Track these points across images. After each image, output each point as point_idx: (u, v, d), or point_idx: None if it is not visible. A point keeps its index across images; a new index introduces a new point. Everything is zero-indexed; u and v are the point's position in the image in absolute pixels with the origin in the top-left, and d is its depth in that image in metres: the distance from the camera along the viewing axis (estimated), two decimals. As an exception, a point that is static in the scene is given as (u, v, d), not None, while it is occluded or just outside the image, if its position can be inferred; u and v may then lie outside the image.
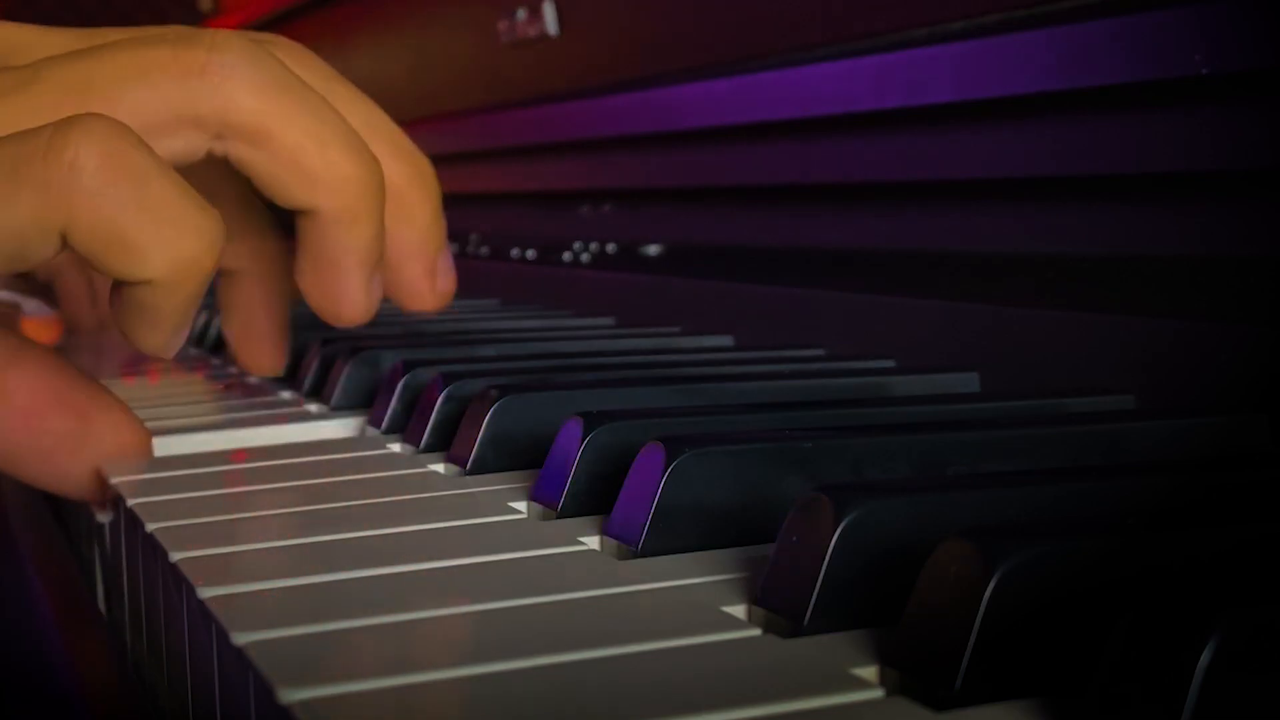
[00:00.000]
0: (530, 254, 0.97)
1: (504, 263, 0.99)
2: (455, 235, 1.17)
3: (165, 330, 0.43)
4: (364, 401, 0.60)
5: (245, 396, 0.66)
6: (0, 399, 0.43)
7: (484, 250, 1.06)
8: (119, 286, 0.42)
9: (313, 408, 0.61)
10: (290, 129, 0.44)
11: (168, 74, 0.43)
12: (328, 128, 0.45)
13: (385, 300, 0.51)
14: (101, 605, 0.54)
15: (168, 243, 0.40)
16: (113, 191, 0.39)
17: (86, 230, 0.39)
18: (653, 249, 0.86)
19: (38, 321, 1.01)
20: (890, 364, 0.57)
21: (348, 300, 0.47)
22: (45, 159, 0.39)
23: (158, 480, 0.47)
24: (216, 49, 0.43)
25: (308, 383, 0.64)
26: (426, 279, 0.51)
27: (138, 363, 0.83)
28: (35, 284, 1.02)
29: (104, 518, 0.49)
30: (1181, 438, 0.42)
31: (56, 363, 0.45)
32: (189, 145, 0.44)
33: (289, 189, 0.45)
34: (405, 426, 0.53)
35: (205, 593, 0.33)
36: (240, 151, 0.44)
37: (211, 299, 0.62)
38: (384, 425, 0.55)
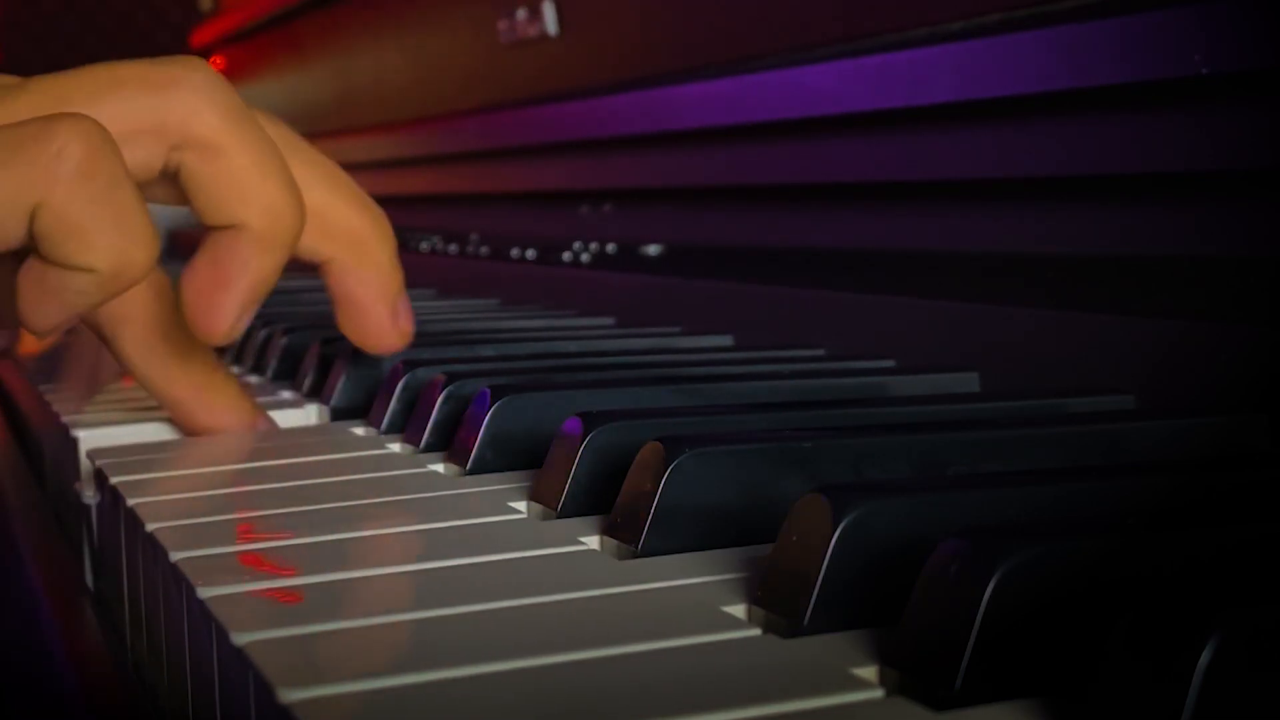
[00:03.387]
0: (530, 254, 0.97)
1: (504, 263, 0.99)
2: (455, 235, 1.17)
3: (65, 317, 0.47)
4: (364, 401, 0.60)
5: (245, 396, 0.66)
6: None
7: (484, 250, 1.06)
8: (39, 264, 0.45)
9: (312, 408, 0.61)
10: (242, 152, 0.49)
11: (141, 87, 0.48)
12: (272, 163, 0.49)
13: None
14: (100, 605, 0.54)
15: (119, 243, 0.45)
16: (89, 184, 0.44)
17: (56, 213, 0.44)
18: (653, 249, 0.86)
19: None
20: (890, 364, 0.57)
21: (220, 315, 0.50)
22: (35, 143, 0.43)
23: (157, 480, 0.47)
24: (188, 68, 0.48)
25: (308, 383, 0.64)
26: (390, 319, 0.55)
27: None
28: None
29: (90, 498, 0.52)
30: (1181, 438, 0.42)
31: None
32: (149, 155, 0.48)
33: (224, 203, 0.49)
34: (405, 426, 0.53)
35: (205, 593, 0.33)
36: (192, 163, 0.49)
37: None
38: (384, 425, 0.55)
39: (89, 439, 0.55)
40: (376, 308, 0.54)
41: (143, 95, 0.47)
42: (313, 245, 0.53)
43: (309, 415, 0.61)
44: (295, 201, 0.50)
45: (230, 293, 0.49)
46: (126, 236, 0.45)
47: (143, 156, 0.48)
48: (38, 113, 0.45)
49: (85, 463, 0.54)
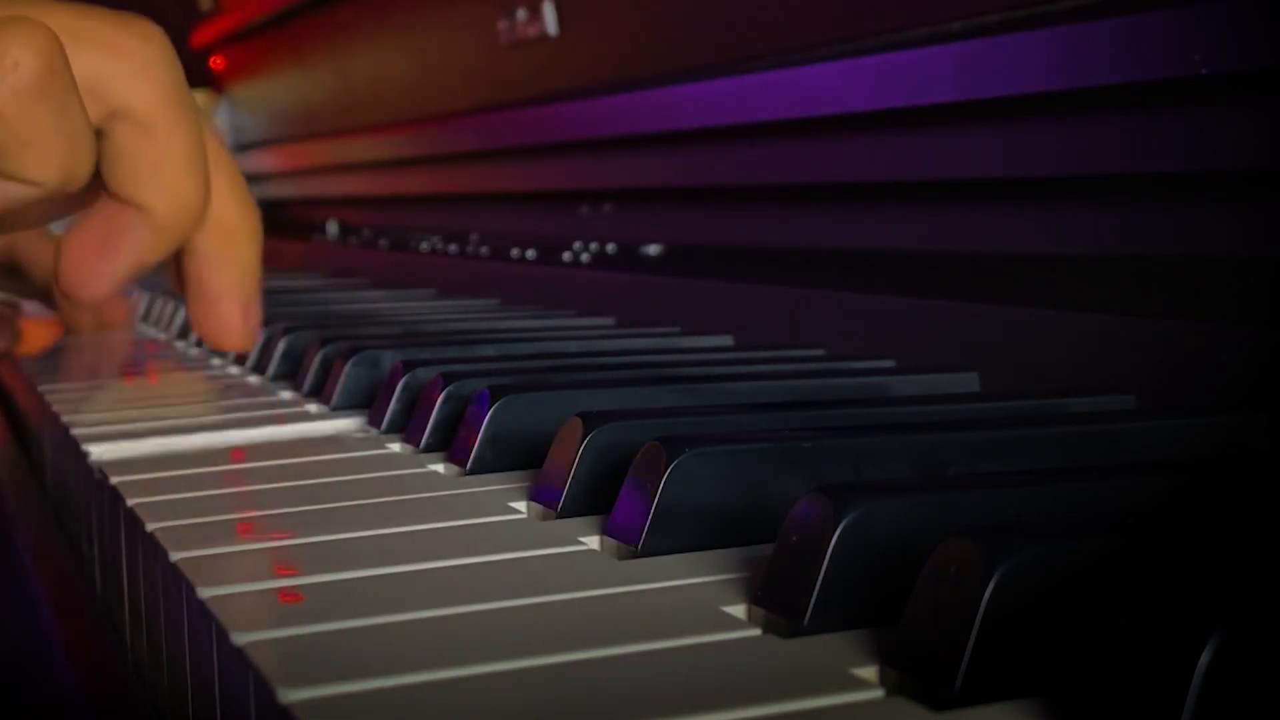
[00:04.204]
0: (530, 254, 0.97)
1: (504, 263, 0.99)
2: (455, 235, 1.17)
3: None
4: (364, 401, 0.60)
5: (245, 396, 0.66)
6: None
7: (484, 250, 1.06)
8: None
9: (313, 408, 0.61)
10: (173, 136, 0.48)
11: (97, 45, 0.46)
12: (197, 155, 0.49)
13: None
14: (101, 605, 0.54)
15: (67, 156, 0.44)
16: (43, 96, 0.43)
17: (10, 124, 0.43)
18: (653, 249, 0.86)
19: (38, 321, 1.01)
20: (890, 364, 0.57)
21: (93, 282, 0.49)
22: None
23: (158, 480, 0.47)
24: (147, 41, 0.47)
25: (308, 383, 0.64)
26: (240, 317, 0.53)
27: (138, 363, 0.83)
28: (35, 285, 1.01)
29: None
30: (1181, 438, 0.42)
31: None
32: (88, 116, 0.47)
33: (137, 182, 0.48)
34: (405, 426, 0.53)
35: (205, 593, 0.33)
36: (120, 134, 0.47)
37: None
38: (384, 425, 0.55)
39: (88, 437, 0.55)
40: (228, 303, 0.53)
41: (96, 55, 0.46)
42: None
43: (348, 428, 0.58)
44: (205, 198, 0.49)
45: (113, 266, 0.49)
46: (76, 151, 0.44)
47: None
48: None
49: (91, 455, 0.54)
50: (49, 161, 0.44)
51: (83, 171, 0.45)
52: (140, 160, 0.48)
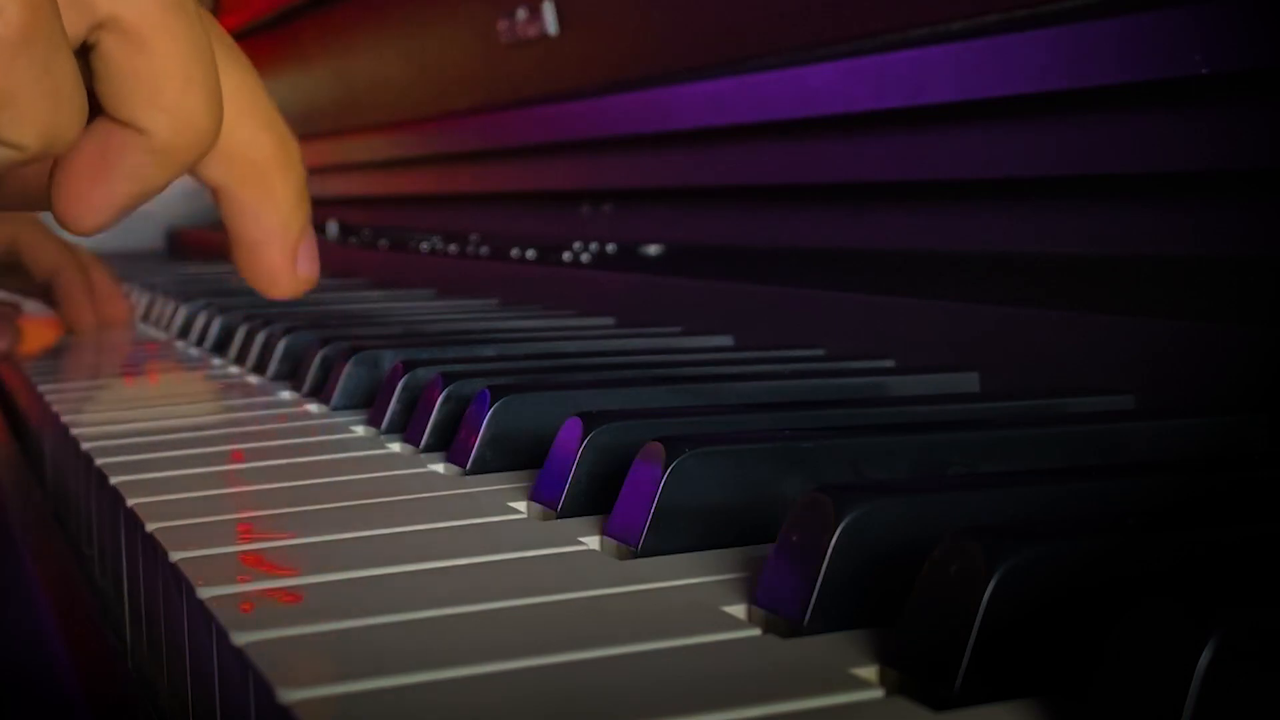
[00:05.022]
0: (530, 254, 0.97)
1: (504, 263, 0.99)
2: (455, 235, 1.17)
3: None
4: (364, 401, 0.60)
5: (245, 396, 0.66)
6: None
7: (484, 250, 1.06)
8: None
9: (313, 407, 0.61)
10: (170, 50, 0.43)
11: None
12: (200, 67, 0.44)
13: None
14: (101, 605, 0.54)
15: (50, 115, 0.40)
16: (28, 50, 0.39)
17: None
18: (653, 249, 0.86)
19: (38, 321, 1.01)
20: (890, 364, 0.57)
21: (90, 212, 0.44)
22: None
23: (158, 480, 0.47)
24: None
25: (308, 383, 0.64)
26: (286, 263, 0.48)
27: (138, 362, 0.83)
28: (35, 284, 1.02)
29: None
30: (1181, 438, 0.42)
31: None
32: (70, 29, 0.42)
33: (134, 102, 0.43)
34: (405, 426, 0.53)
35: (205, 593, 0.33)
36: (110, 47, 0.43)
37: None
38: (384, 425, 0.55)
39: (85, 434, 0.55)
40: (268, 250, 0.48)
41: None
42: (203, 164, 0.46)
43: (348, 428, 0.58)
44: (214, 119, 0.44)
45: (111, 194, 0.44)
46: (61, 111, 0.40)
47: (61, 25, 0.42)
48: None
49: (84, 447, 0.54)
50: (29, 122, 0.40)
51: (69, 134, 0.40)
52: (134, 77, 0.43)
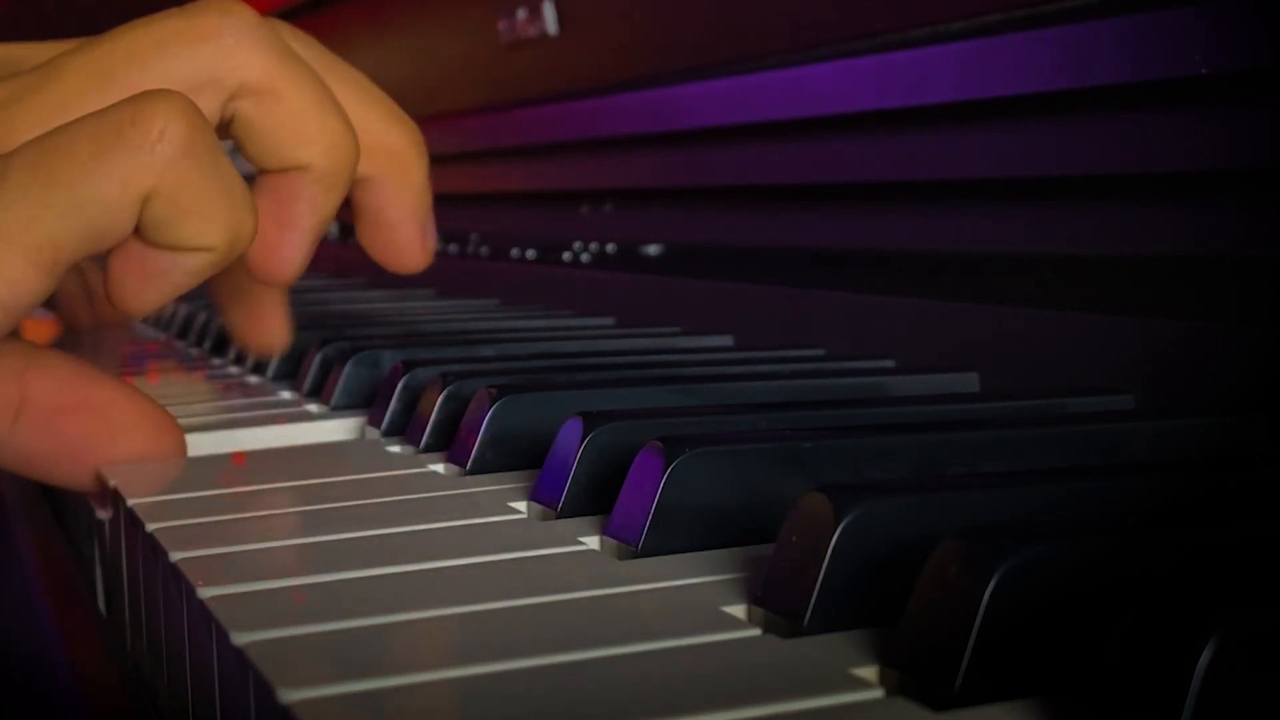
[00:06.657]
0: (530, 254, 0.97)
1: (504, 263, 0.99)
2: (455, 235, 1.17)
3: (167, 299, 0.46)
4: (364, 401, 0.60)
5: (245, 396, 0.66)
6: (21, 402, 0.44)
7: (484, 250, 1.06)
8: (140, 249, 0.44)
9: (313, 408, 0.61)
10: (297, 92, 0.47)
11: (184, 42, 0.46)
12: (327, 98, 0.48)
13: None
14: (101, 605, 0.54)
15: (230, 214, 0.44)
16: (197, 162, 0.42)
17: (169, 197, 0.42)
18: (653, 249, 0.86)
19: (37, 321, 1.01)
20: (890, 364, 0.57)
21: (290, 257, 0.49)
22: (135, 129, 0.41)
23: (157, 480, 0.47)
24: (227, 14, 0.46)
25: (308, 383, 0.64)
26: (420, 238, 0.53)
27: (137, 362, 0.83)
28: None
29: (104, 515, 0.50)
30: (1181, 438, 0.42)
31: (76, 364, 0.47)
32: (209, 110, 0.46)
33: (287, 146, 0.48)
34: (405, 427, 0.53)
35: (205, 593, 0.33)
36: (248, 110, 0.47)
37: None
38: (384, 425, 0.55)
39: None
40: (408, 227, 0.53)
41: (189, 51, 0.46)
42: None
43: (347, 428, 0.58)
44: (352, 135, 0.49)
45: (298, 234, 0.48)
46: (238, 209, 0.44)
47: (205, 112, 0.46)
48: (85, 92, 0.44)
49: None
50: (214, 225, 0.43)
51: (248, 228, 0.44)
52: (280, 126, 0.47)
